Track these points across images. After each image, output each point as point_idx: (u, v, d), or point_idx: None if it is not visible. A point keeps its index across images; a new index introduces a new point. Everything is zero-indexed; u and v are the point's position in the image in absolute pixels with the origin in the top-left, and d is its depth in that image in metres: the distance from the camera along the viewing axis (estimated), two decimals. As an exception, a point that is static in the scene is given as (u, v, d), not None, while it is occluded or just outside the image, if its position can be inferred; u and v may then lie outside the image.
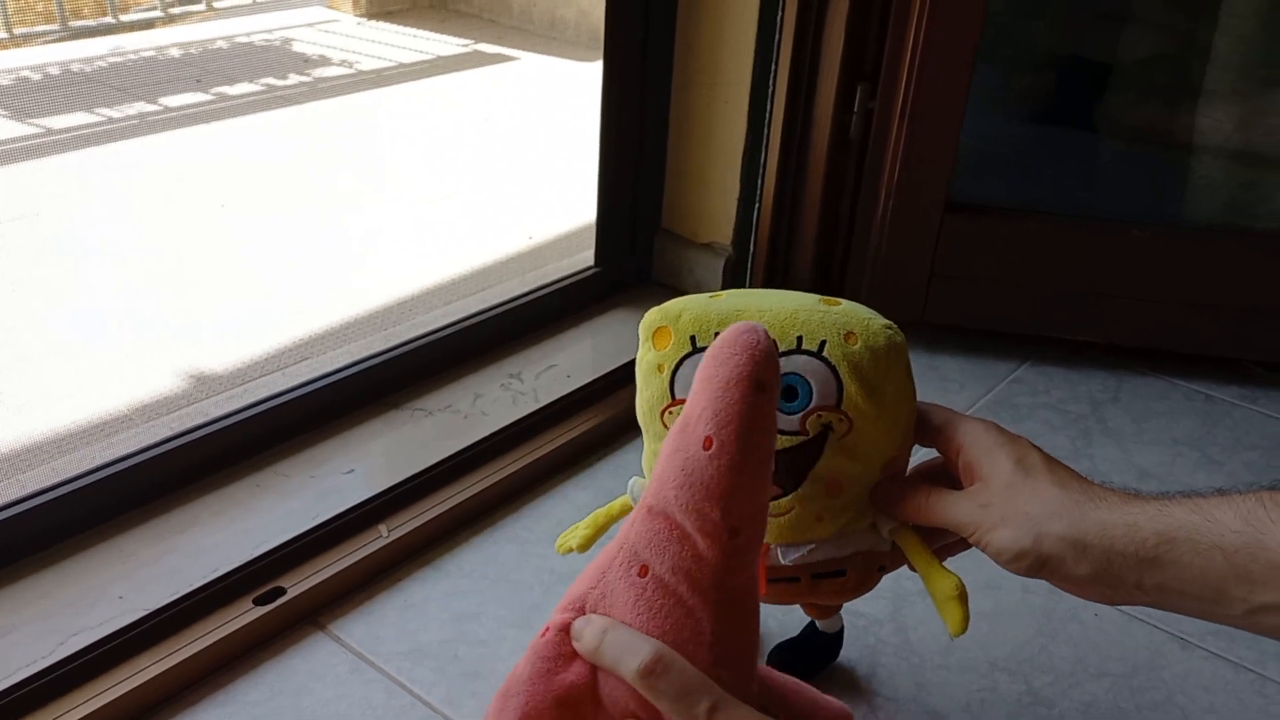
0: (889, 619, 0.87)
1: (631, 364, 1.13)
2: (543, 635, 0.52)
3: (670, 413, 0.61)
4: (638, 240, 1.33)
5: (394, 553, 0.89)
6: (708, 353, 0.48)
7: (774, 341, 0.48)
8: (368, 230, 1.77)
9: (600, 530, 0.67)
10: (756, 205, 1.26)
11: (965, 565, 0.93)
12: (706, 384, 0.47)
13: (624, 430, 1.09)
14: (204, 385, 1.24)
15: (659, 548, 0.48)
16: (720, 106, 1.24)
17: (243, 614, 0.80)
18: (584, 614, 0.51)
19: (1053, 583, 0.54)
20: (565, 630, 0.51)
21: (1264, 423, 1.20)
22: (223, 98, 2.39)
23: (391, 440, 1.02)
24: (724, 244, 1.30)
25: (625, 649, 0.47)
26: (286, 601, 0.82)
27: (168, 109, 2.30)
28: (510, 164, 2.13)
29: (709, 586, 0.48)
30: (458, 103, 2.51)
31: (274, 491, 0.94)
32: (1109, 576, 0.52)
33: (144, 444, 0.93)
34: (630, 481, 0.65)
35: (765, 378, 0.47)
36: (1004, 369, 1.27)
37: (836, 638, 0.80)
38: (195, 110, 2.31)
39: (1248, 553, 0.48)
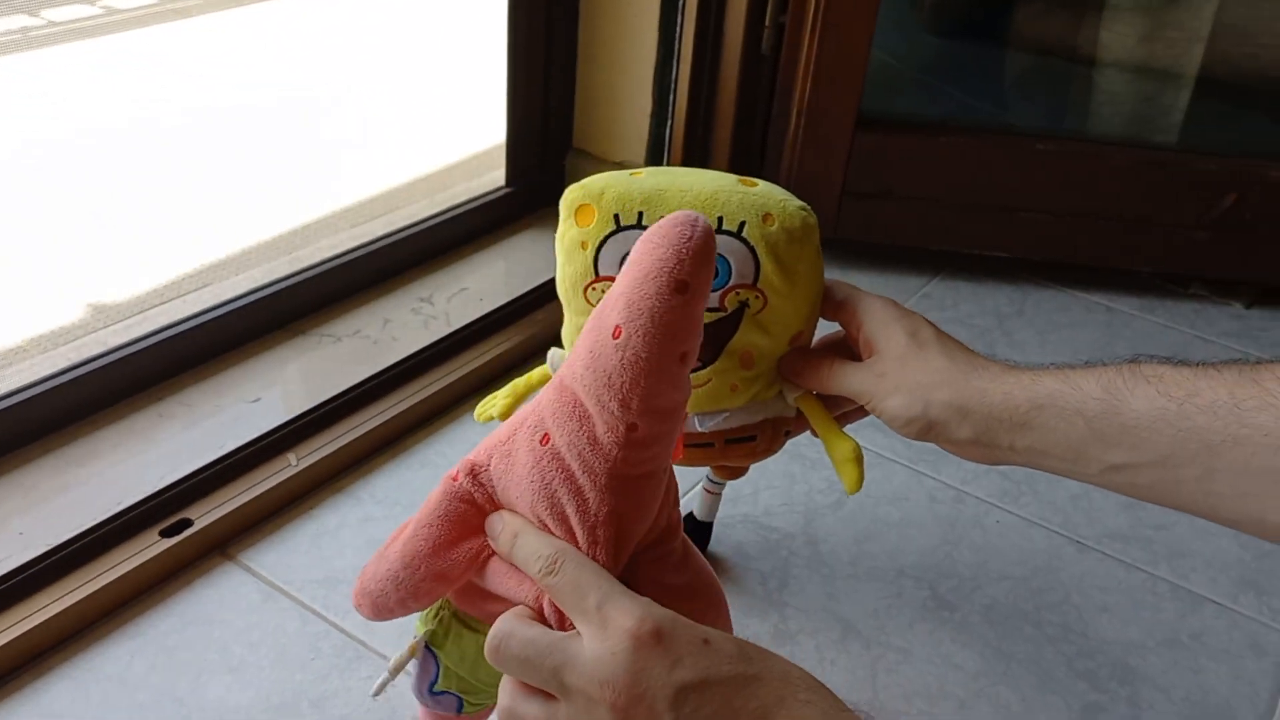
0: (800, 532, 0.89)
1: (545, 286, 1.13)
2: (454, 479, 0.52)
3: (594, 289, 0.62)
4: (549, 159, 1.31)
5: (304, 481, 0.88)
6: (645, 233, 0.46)
7: (711, 239, 0.44)
8: (268, 153, 1.71)
9: (519, 399, 0.69)
10: (669, 122, 1.24)
11: (873, 480, 0.95)
12: (629, 268, 0.45)
13: (539, 352, 1.09)
14: (101, 314, 1.20)
15: (562, 421, 0.48)
16: (630, 21, 1.21)
17: (149, 546, 0.79)
18: (488, 464, 0.51)
19: (939, 445, 0.59)
20: (473, 475, 0.51)
21: (1161, 333, 1.24)
22: (111, 11, 2.28)
23: (299, 367, 1.00)
24: (636, 163, 1.28)
25: (531, 552, 0.49)
26: (194, 533, 0.80)
27: (51, 23, 2.18)
28: (414, 79, 2.07)
29: (600, 472, 0.47)
30: (357, 14, 2.43)
31: (178, 422, 0.91)
32: (987, 439, 0.56)
33: (41, 375, 0.89)
34: (549, 352, 0.68)
35: (689, 279, 0.43)
36: (914, 284, 1.29)
37: (707, 528, 0.83)
38: (82, 24, 2.20)
39: (1104, 418, 0.53)
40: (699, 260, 0.43)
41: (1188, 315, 1.28)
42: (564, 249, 0.63)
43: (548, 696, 0.48)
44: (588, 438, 0.47)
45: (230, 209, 1.50)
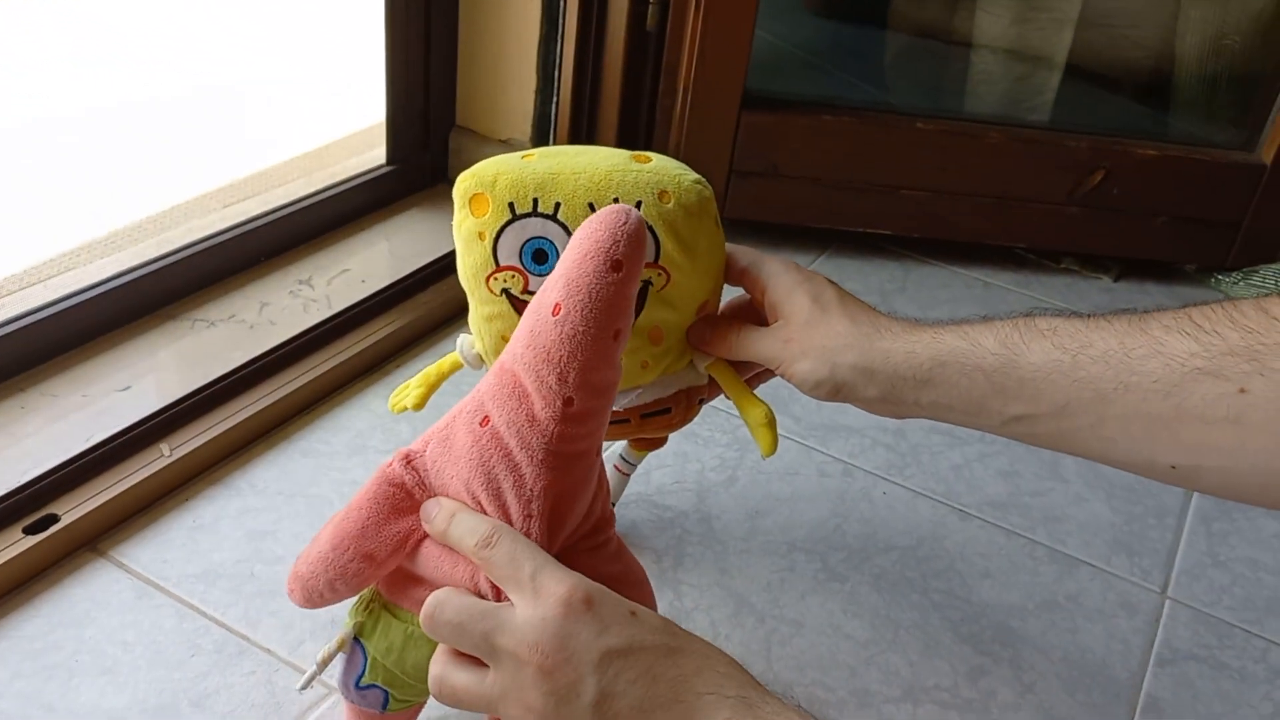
0: (694, 510, 0.89)
1: (430, 267, 1.11)
2: (389, 464, 0.54)
3: (495, 278, 0.61)
4: (432, 137, 1.28)
5: (179, 472, 0.84)
6: (584, 221, 0.49)
7: (643, 226, 0.49)
8: (133, 130, 1.64)
9: (432, 388, 0.69)
10: (555, 99, 1.23)
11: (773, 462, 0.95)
12: (568, 253, 0.49)
13: (424, 335, 1.06)
14: (-46, 301, 1.13)
15: (501, 402, 0.50)
16: (513, -5, 1.19)
17: (12, 544, 0.75)
18: (424, 450, 0.54)
19: (850, 403, 0.61)
20: (407, 461, 0.54)
21: (1035, 305, 1.28)
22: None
23: (171, 354, 0.95)
24: (522, 140, 1.27)
25: (467, 530, 0.51)
26: (60, 529, 0.76)
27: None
28: (290, 53, 2.01)
29: (537, 448, 0.50)
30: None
31: (41, 413, 0.87)
32: (893, 396, 0.58)
33: (-117, 368, 0.84)
34: (458, 338, 0.67)
35: (622, 257, 0.48)
36: (802, 262, 1.29)
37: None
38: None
39: (1003, 372, 0.55)
40: (633, 242, 0.48)
41: (1060, 289, 1.32)
42: (461, 239, 0.62)
43: (478, 665, 0.50)
44: (526, 415, 0.50)
45: (92, 190, 1.43)
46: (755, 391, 0.67)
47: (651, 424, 0.67)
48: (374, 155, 1.27)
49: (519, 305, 0.61)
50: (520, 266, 0.60)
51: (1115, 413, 0.51)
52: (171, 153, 1.57)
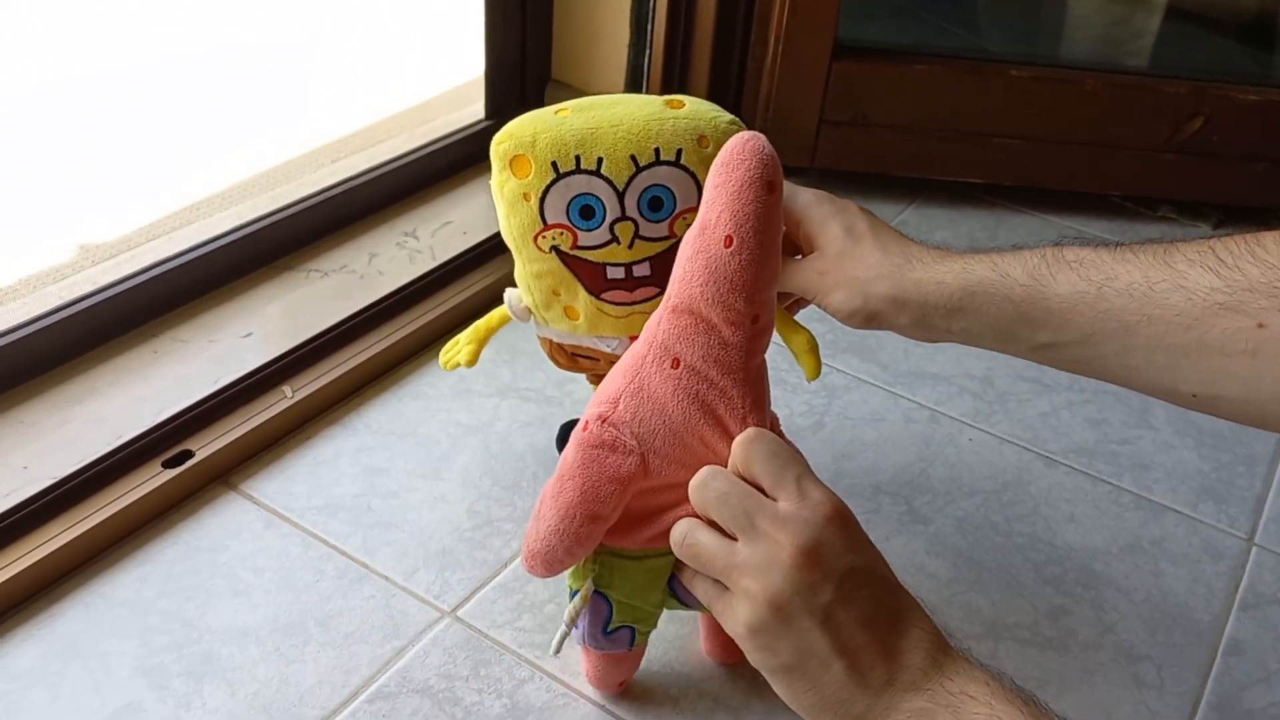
0: (781, 452, 0.92)
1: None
2: (584, 429, 0.57)
3: (544, 236, 0.63)
4: (528, 91, 1.31)
5: (300, 412, 0.90)
6: (717, 161, 0.53)
7: (770, 146, 0.53)
8: (247, 89, 1.70)
9: (482, 343, 0.71)
10: (647, 52, 1.25)
11: (851, 402, 0.98)
12: (721, 189, 0.52)
13: (522, 283, 1.11)
14: (88, 253, 1.20)
15: (689, 340, 0.54)
16: (606, -50, 1.21)
17: (152, 477, 0.81)
18: (615, 408, 0.56)
19: (884, 330, 0.64)
20: (603, 420, 0.56)
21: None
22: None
23: (288, 302, 1.01)
24: (616, 93, 1.29)
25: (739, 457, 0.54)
26: (196, 463, 0.83)
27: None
28: (391, 11, 2.06)
29: (737, 367, 0.54)
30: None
31: (172, 357, 0.93)
32: (925, 323, 0.61)
33: (33, 314, 0.91)
34: (506, 293, 0.69)
35: (773, 179, 0.52)
36: (890, 212, 1.31)
37: None
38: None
39: (1030, 302, 0.58)
40: (775, 164, 0.52)
41: (1157, 237, 1.31)
42: (505, 200, 0.63)
43: (724, 534, 0.53)
44: (719, 343, 0.54)
45: (210, 146, 1.50)
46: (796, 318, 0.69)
47: None
48: (473, 110, 1.31)
49: (569, 260, 0.63)
50: (568, 224, 0.62)
51: (1138, 343, 0.54)
52: (281, 110, 1.64)
